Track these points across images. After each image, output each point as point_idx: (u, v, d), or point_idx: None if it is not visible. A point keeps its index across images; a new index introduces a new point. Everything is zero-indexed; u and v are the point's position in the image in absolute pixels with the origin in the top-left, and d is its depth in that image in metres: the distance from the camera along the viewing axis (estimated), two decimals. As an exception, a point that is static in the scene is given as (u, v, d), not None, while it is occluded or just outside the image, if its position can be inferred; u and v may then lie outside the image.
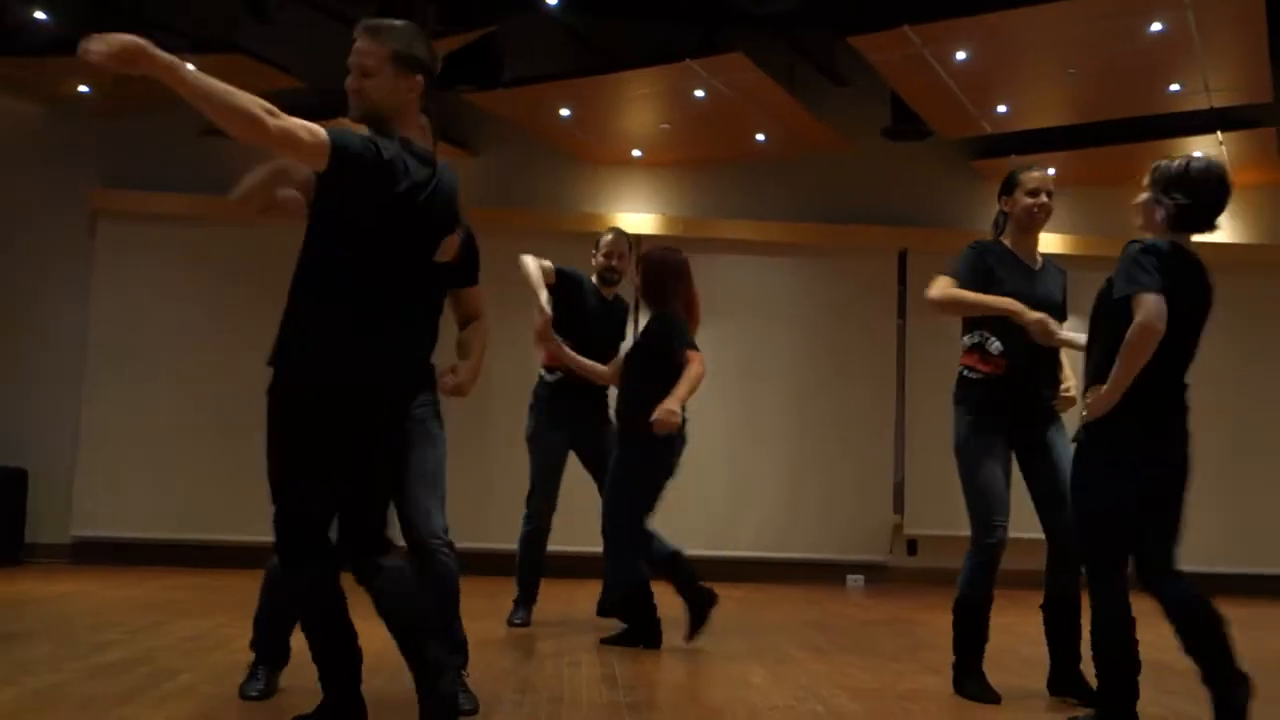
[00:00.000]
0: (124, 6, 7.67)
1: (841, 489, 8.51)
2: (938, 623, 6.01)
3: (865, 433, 8.59)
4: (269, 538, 2.87)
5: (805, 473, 8.52)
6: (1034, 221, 4.08)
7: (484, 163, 8.42)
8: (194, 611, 5.46)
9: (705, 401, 8.55)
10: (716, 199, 8.79)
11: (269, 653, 3.54)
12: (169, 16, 7.72)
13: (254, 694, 3.44)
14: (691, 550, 4.78)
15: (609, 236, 5.51)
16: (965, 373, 4.09)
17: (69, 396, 8.15)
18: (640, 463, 4.71)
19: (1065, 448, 3.87)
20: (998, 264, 4.03)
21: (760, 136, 8.23)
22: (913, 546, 8.61)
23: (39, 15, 7.29)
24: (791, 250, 8.73)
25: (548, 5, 6.98)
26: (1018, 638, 5.21)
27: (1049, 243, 8.87)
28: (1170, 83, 7.18)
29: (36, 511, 8.00)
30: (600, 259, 5.43)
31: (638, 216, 8.64)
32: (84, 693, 3.48)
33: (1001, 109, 7.69)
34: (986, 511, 3.97)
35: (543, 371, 5.43)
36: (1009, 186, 4.09)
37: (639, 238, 8.59)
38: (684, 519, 8.44)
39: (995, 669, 4.39)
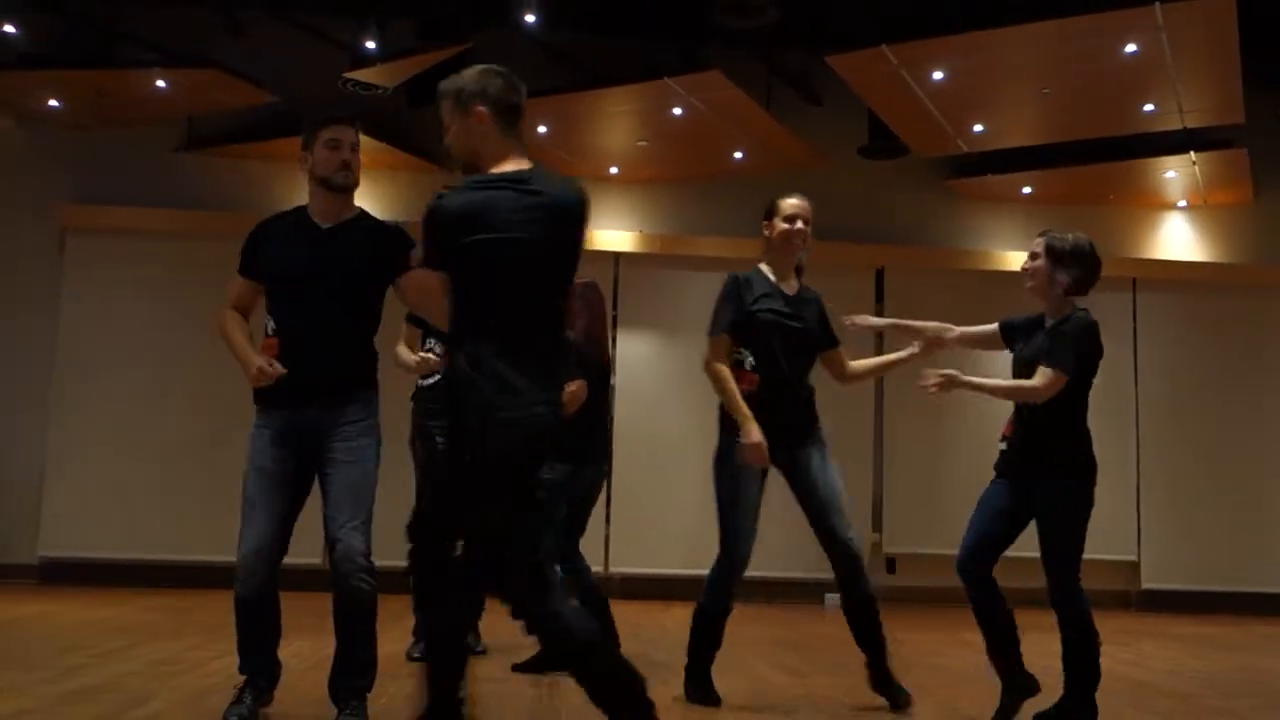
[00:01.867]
0: (97, 21, 7.61)
1: (819, 507, 8.46)
2: (917, 642, 5.99)
3: (843, 451, 8.38)
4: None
5: (782, 491, 8.43)
6: (791, 247, 4.20)
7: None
8: (163, 634, 5.36)
9: (678, 419, 8.58)
10: (694, 216, 8.78)
11: (256, 671, 3.40)
12: (142, 31, 7.66)
13: (234, 717, 3.29)
14: (665, 569, 4.74)
15: None
16: None
17: (37, 415, 8.02)
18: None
19: (825, 461, 4.25)
20: (747, 290, 4.15)
21: (738, 154, 8.23)
22: (891, 565, 8.60)
23: (9, 29, 7.21)
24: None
25: (525, 22, 6.96)
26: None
27: (1022, 260, 8.91)
28: (1144, 103, 7.23)
29: (3, 531, 7.86)
30: None
31: (615, 233, 8.63)
32: (50, 720, 3.40)
33: (978, 128, 7.73)
34: (734, 527, 4.26)
35: None
36: (769, 213, 4.23)
37: (616, 255, 8.61)
38: (656, 538, 8.43)
39: (970, 687, 4.37)
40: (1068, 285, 3.84)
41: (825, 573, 8.80)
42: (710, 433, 9.00)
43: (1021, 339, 3.96)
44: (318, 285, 3.32)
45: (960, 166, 8.62)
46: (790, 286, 4.25)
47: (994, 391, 3.92)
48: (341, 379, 3.35)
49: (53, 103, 7.81)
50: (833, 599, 8.33)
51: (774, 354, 4.10)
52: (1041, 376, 3.68)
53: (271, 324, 3.37)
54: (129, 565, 7.73)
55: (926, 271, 8.79)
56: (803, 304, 4.25)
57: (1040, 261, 3.87)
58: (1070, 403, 3.80)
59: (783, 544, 8.37)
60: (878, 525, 8.57)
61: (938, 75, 6.82)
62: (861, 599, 4.15)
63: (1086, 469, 3.86)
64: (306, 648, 4.46)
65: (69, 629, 5.56)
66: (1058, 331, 3.78)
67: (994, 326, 4.11)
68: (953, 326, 4.24)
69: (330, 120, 3.46)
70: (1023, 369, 3.87)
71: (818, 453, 4.24)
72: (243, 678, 3.37)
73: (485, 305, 2.80)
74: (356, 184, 3.44)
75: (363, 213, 3.50)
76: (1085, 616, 3.78)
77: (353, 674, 3.30)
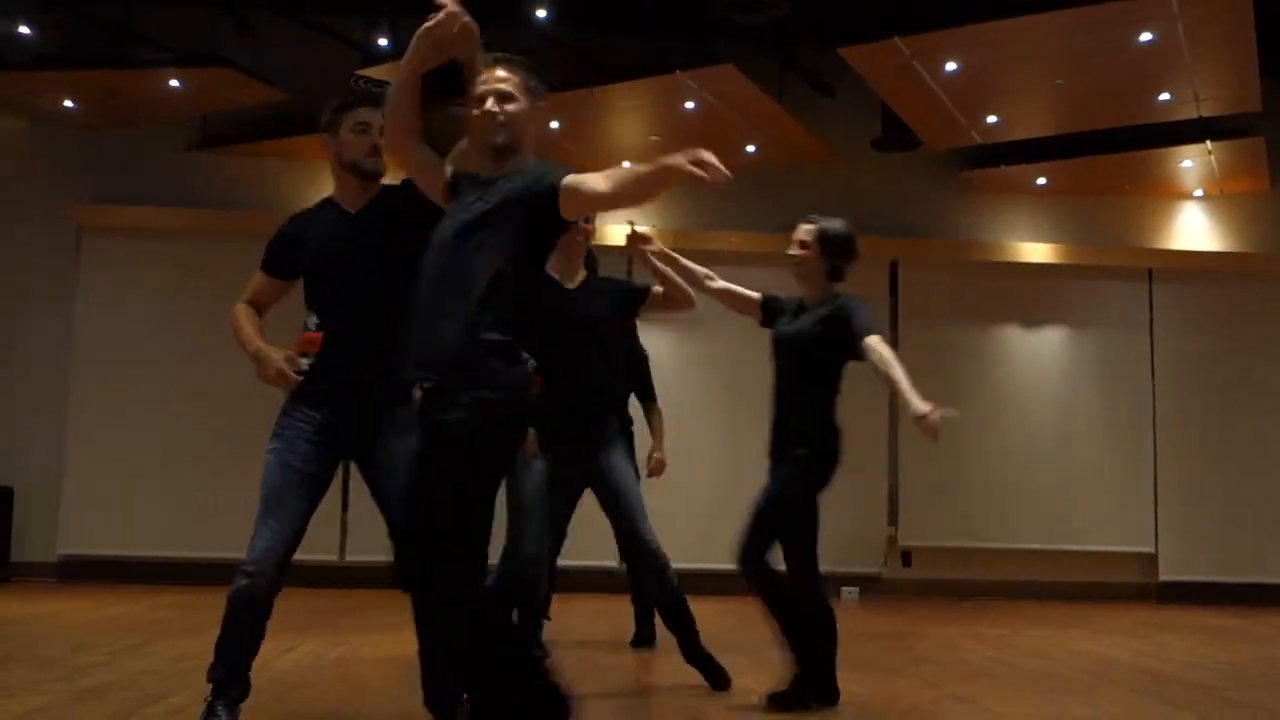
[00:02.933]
0: (109, 22, 7.62)
1: (834, 500, 8.31)
2: (935, 635, 5.97)
3: (858, 443, 8.40)
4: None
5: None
6: (575, 246, 4.27)
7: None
8: (179, 631, 5.38)
9: (691, 413, 8.57)
10: (706, 210, 8.76)
11: (231, 679, 3.12)
12: (153, 31, 7.68)
13: None
14: (676, 564, 4.69)
15: None
16: None
17: (54, 414, 8.06)
18: None
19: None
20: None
21: (750, 148, 8.21)
22: (907, 558, 8.57)
23: (23, 30, 7.23)
24: (781, 261, 8.66)
25: (536, 18, 6.94)
26: (1015, 650, 5.18)
27: (1038, 252, 8.91)
28: (1160, 92, 7.18)
29: (23, 530, 7.91)
30: None
31: (627, 229, 8.59)
32: (68, 718, 3.41)
33: (991, 119, 7.69)
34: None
35: None
36: None
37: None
38: (668, 533, 8.40)
39: (990, 681, 4.35)
40: (831, 271, 3.99)
41: (842, 566, 8.81)
42: (722, 427, 9.02)
43: (783, 317, 4.07)
44: (359, 272, 3.16)
45: (974, 158, 8.58)
46: (573, 279, 4.30)
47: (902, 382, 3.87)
48: (392, 373, 2.97)
49: (66, 103, 7.84)
50: (850, 592, 8.35)
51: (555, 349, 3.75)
52: (882, 345, 3.82)
53: (314, 319, 3.20)
54: (146, 563, 7.77)
55: (941, 264, 8.76)
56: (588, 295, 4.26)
57: (809, 250, 4.02)
58: (827, 387, 4.04)
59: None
60: (893, 518, 8.56)
61: (951, 66, 6.79)
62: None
63: (835, 452, 4.10)
64: (320, 646, 4.46)
65: (85, 626, 5.58)
66: (843, 310, 3.89)
67: (757, 296, 4.20)
68: (716, 277, 4.32)
69: (356, 103, 3.33)
70: (785, 348, 4.01)
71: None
72: (209, 685, 3.07)
73: None
74: (385, 169, 3.31)
75: (382, 188, 3.32)
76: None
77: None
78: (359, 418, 3.13)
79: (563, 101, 7.45)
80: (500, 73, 2.97)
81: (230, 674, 3.09)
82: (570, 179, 2.74)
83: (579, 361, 4.11)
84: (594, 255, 4.48)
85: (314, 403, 3.12)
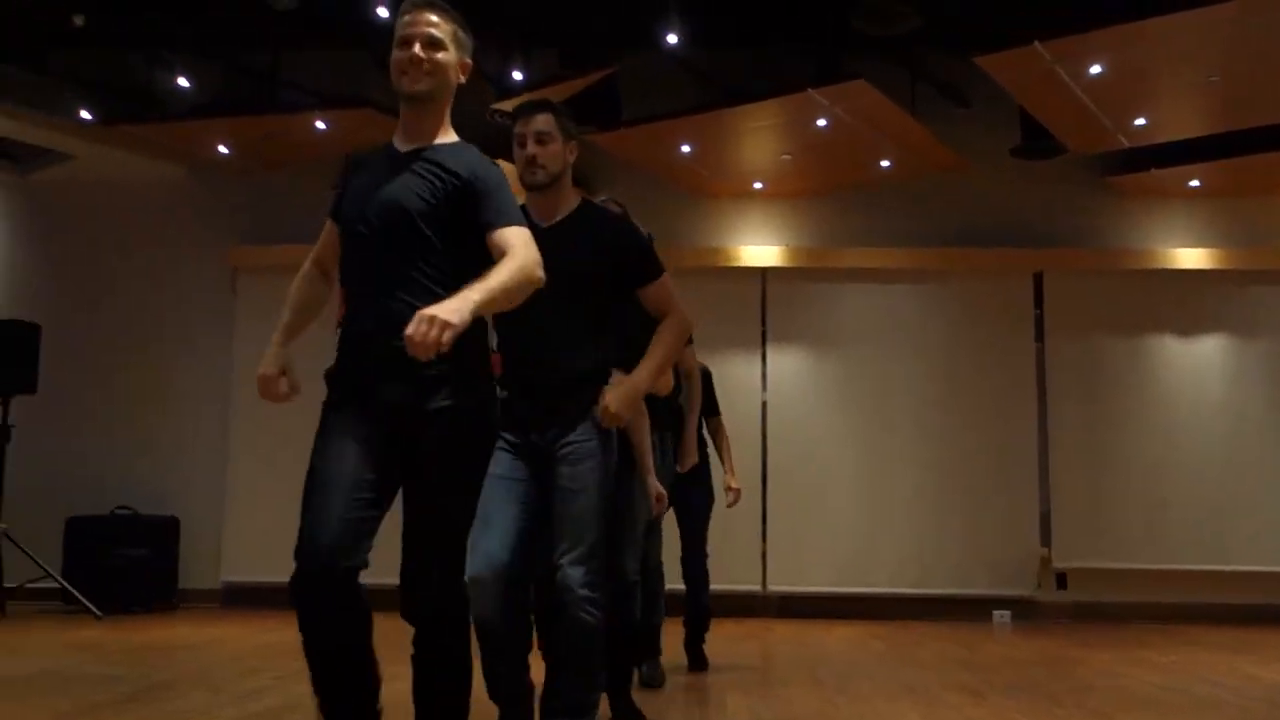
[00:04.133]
0: (259, 70, 7.99)
1: (984, 520, 8.23)
2: (1096, 661, 5.73)
3: (1007, 461, 8.30)
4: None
5: (944, 504, 8.27)
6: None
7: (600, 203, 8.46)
8: (338, 655, 5.53)
9: (835, 434, 8.45)
10: (841, 227, 8.65)
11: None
12: (301, 77, 8.01)
13: None
14: (823, 586, 4.60)
15: None
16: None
17: (216, 447, 8.44)
18: None
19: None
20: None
21: (884, 162, 8.08)
22: (1062, 580, 8.25)
23: (182, 82, 7.63)
24: (920, 276, 8.54)
25: (666, 43, 6.99)
26: (1182, 677, 4.93)
27: (1192, 257, 8.52)
28: (1323, 84, 6.79)
29: (188, 558, 8.29)
30: None
31: (760, 248, 8.58)
32: (237, 740, 3.54)
33: (1139, 121, 7.39)
34: None
35: None
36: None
37: (763, 270, 8.55)
38: (814, 554, 8.31)
39: (1160, 711, 4.15)
40: None
41: (993, 589, 8.56)
42: (865, 447, 8.89)
43: None
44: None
45: (1121, 162, 8.27)
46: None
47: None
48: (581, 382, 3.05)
49: (222, 149, 8.24)
50: (1002, 615, 8.09)
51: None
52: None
53: (494, 338, 3.04)
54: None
55: (1088, 273, 8.45)
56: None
57: None
58: None
59: (949, 560, 8.18)
60: (1046, 539, 8.25)
61: (1096, 69, 6.55)
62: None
63: None
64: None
65: (250, 652, 5.80)
66: None
67: None
68: None
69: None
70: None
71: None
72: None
73: None
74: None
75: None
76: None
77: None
78: (541, 434, 3.08)
79: (693, 125, 7.48)
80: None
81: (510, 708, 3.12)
82: (505, 232, 2.58)
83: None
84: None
85: (506, 411, 3.01)
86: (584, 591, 2.95)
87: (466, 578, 2.82)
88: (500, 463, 3.00)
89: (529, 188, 3.18)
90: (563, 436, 3.05)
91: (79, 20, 6.93)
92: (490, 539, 2.98)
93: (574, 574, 2.95)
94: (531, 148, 3.12)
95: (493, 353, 2.98)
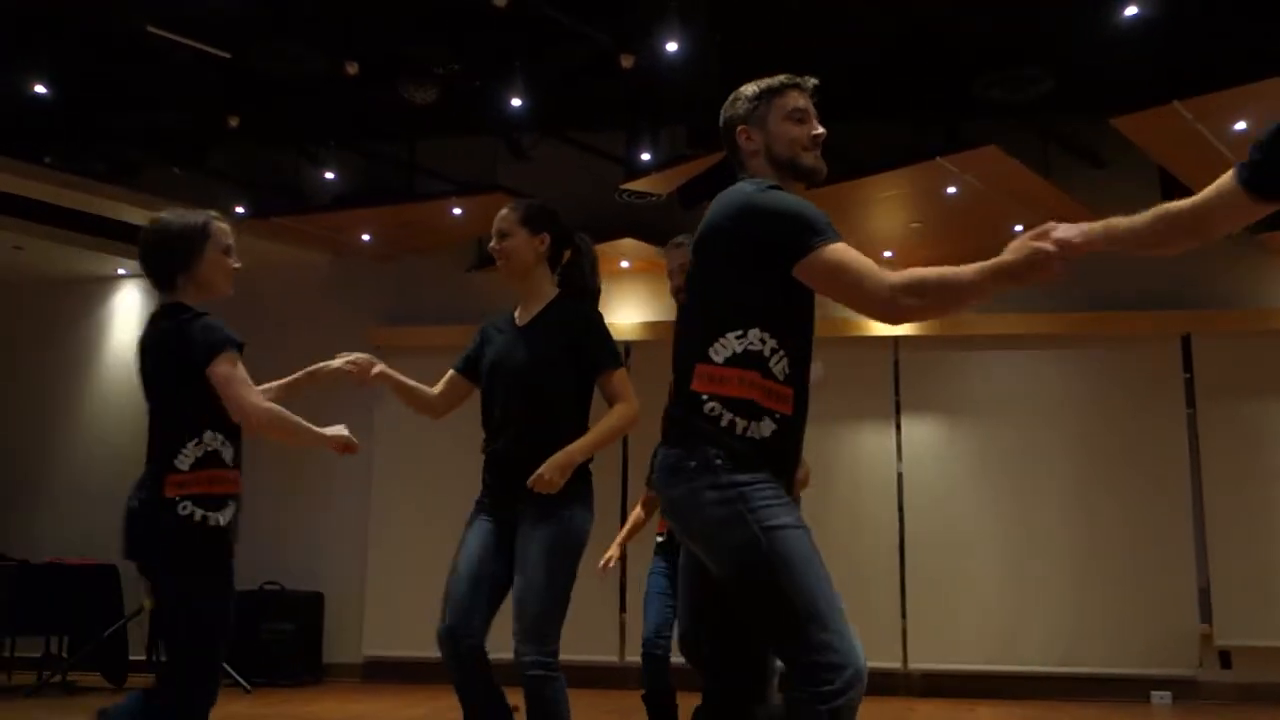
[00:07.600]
0: (398, 160, 8.34)
1: (1138, 595, 7.83)
2: (1267, 747, 5.36)
3: (1160, 533, 7.92)
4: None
5: (1094, 578, 7.92)
6: (512, 272, 3.70)
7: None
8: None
9: (975, 506, 8.20)
10: (975, 294, 8.48)
11: None
12: (438, 164, 8.33)
13: None
14: (969, 665, 4.45)
15: None
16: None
17: (358, 525, 8.68)
18: None
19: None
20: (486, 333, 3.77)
21: (1018, 227, 7.92)
22: (1226, 659, 7.78)
23: (328, 175, 8.01)
24: (1062, 341, 8.30)
25: (790, 117, 7.03)
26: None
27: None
28: None
29: (332, 633, 8.49)
30: None
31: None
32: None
33: (1288, 176, 7.09)
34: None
35: None
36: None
37: (895, 339, 8.43)
38: (956, 631, 8.03)
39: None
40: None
41: (1149, 668, 8.15)
42: (1007, 518, 8.61)
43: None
44: None
45: (1271, 220, 7.86)
46: (526, 315, 3.60)
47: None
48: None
49: (364, 237, 8.59)
50: (1161, 696, 7.66)
51: (489, 399, 3.62)
52: None
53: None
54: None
55: (1239, 334, 8.09)
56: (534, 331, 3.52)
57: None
58: None
59: (1100, 637, 7.81)
60: (1206, 615, 7.81)
61: (1240, 126, 6.33)
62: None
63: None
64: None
65: (391, 726, 5.87)
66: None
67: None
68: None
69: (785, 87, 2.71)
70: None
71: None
72: None
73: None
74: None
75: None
76: None
77: None
78: None
79: (821, 196, 7.42)
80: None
81: None
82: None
83: (510, 417, 3.46)
84: (581, 269, 3.74)
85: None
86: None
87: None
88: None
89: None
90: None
91: (234, 121, 7.37)
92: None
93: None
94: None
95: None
